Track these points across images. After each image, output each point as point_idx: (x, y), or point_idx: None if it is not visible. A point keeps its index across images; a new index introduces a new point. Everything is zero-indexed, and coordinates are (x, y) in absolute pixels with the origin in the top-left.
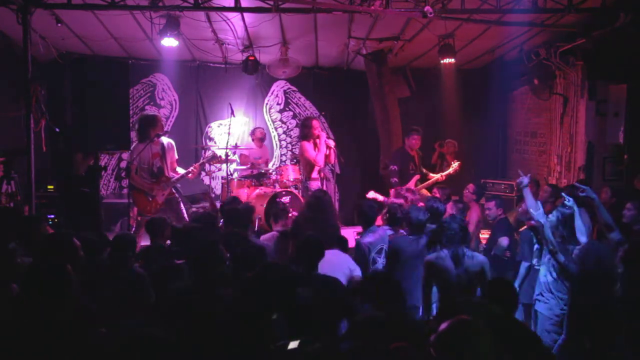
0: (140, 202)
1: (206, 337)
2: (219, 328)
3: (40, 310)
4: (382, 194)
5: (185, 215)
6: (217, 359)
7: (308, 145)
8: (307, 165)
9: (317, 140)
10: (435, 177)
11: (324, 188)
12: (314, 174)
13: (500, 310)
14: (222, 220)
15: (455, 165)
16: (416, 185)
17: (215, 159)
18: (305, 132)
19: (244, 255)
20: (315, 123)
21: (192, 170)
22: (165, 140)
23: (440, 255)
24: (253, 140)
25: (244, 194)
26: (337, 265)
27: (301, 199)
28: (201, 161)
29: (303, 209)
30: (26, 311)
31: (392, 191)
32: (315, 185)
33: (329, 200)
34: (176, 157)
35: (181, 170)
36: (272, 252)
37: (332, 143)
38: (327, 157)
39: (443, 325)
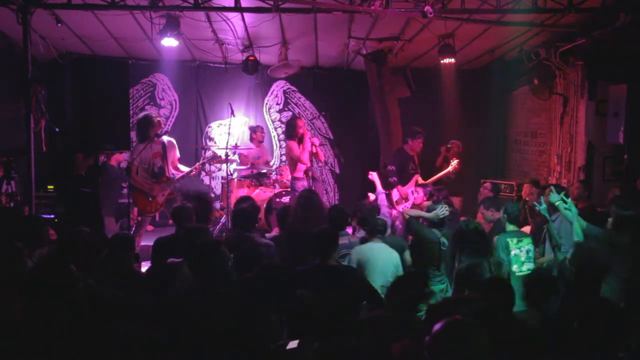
0: (141, 202)
1: (206, 337)
2: (218, 328)
3: (42, 310)
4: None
5: None
6: (217, 359)
7: (293, 144)
8: (292, 164)
9: (303, 139)
10: (434, 177)
11: (313, 188)
12: (299, 174)
13: (489, 305)
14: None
15: (454, 163)
16: (416, 184)
17: (215, 158)
18: (290, 131)
19: (244, 255)
20: (300, 122)
21: (193, 170)
22: (165, 138)
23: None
24: (252, 140)
25: (243, 193)
26: (386, 259)
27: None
28: (202, 161)
29: (294, 209)
30: (28, 311)
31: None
32: (300, 185)
33: (317, 199)
34: (178, 155)
35: (183, 168)
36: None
37: (316, 141)
38: (315, 155)
39: (437, 327)
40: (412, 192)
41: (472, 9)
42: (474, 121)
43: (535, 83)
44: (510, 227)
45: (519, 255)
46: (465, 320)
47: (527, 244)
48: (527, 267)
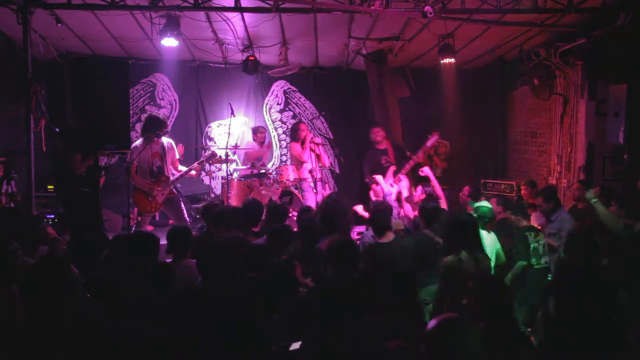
0: (141, 202)
1: (207, 337)
2: (219, 328)
3: (40, 309)
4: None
5: (186, 215)
6: (218, 359)
7: (295, 145)
8: (297, 164)
9: (304, 141)
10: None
11: (320, 189)
12: (305, 174)
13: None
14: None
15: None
16: (394, 175)
17: (214, 157)
18: (293, 134)
19: (246, 255)
20: (302, 126)
21: (192, 169)
22: (165, 140)
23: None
24: (255, 139)
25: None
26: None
27: (300, 198)
28: (200, 160)
29: (318, 210)
30: (27, 311)
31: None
32: (306, 185)
33: (342, 203)
34: (177, 156)
35: (183, 169)
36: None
37: (318, 140)
38: (318, 157)
39: (432, 323)
40: (391, 184)
41: (472, 9)
42: (474, 121)
43: (535, 83)
44: (524, 223)
45: (538, 249)
46: (459, 317)
47: (542, 238)
48: (545, 259)
